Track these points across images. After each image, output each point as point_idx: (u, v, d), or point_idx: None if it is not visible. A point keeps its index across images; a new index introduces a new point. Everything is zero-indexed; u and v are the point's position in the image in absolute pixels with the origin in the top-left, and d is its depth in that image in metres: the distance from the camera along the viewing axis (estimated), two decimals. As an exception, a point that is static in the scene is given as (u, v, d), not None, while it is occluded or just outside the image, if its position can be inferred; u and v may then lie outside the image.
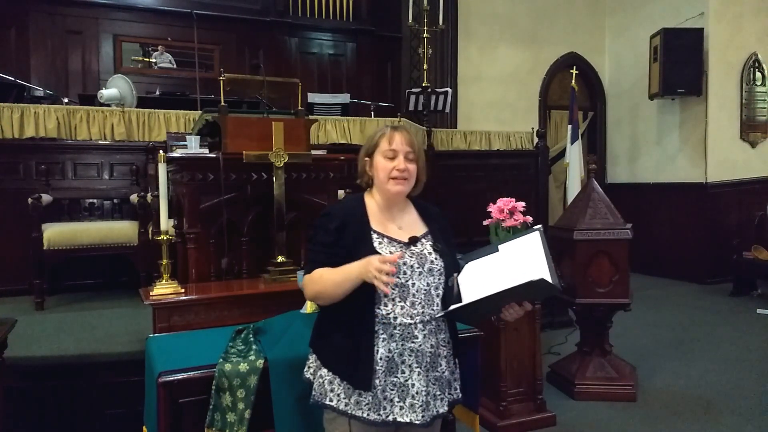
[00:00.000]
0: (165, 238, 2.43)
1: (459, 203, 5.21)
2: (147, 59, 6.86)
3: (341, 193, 3.27)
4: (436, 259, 1.57)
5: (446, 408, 1.57)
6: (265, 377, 1.75)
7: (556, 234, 3.70)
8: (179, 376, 1.71)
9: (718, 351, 4.25)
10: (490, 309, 1.57)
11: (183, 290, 2.38)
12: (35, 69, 6.43)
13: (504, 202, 2.96)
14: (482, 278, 1.53)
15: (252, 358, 1.78)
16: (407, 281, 1.52)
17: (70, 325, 3.25)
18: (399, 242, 1.57)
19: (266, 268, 2.65)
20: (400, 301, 1.51)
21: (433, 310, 1.54)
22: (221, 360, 1.76)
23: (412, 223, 1.65)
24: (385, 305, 1.50)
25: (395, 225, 1.62)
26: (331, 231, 1.56)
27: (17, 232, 3.91)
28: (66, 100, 5.08)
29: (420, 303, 1.52)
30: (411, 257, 1.55)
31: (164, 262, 2.41)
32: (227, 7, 7.23)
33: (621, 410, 3.24)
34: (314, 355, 1.62)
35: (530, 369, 3.10)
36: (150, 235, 3.77)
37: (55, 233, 3.68)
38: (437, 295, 1.56)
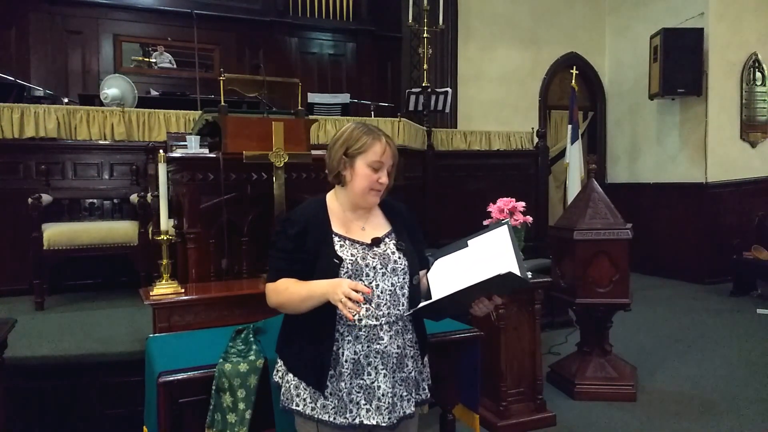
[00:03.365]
0: (165, 238, 2.43)
1: (459, 203, 5.22)
2: (147, 59, 6.85)
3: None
4: (399, 258, 1.56)
5: (413, 409, 1.55)
6: (265, 377, 1.75)
7: (556, 234, 3.71)
8: (179, 376, 1.71)
9: (718, 351, 4.25)
10: (460, 304, 1.55)
11: (183, 290, 2.39)
12: (35, 69, 6.42)
13: (504, 202, 2.96)
14: (451, 275, 1.53)
15: (252, 358, 1.78)
16: (371, 283, 1.50)
17: (70, 325, 3.26)
18: (361, 244, 1.55)
19: (266, 268, 2.65)
20: (365, 304, 1.48)
21: (398, 310, 1.53)
22: (221, 360, 1.76)
23: (375, 222, 1.63)
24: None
25: (359, 225, 1.60)
26: (291, 237, 1.54)
27: (17, 232, 3.91)
28: (66, 100, 5.08)
29: (385, 304, 1.51)
30: (374, 258, 1.53)
31: (164, 262, 2.41)
32: (227, 7, 7.22)
33: (621, 410, 3.24)
34: (281, 360, 1.62)
35: (530, 369, 3.10)
36: (150, 235, 3.77)
37: (55, 233, 3.68)
38: (403, 295, 1.55)
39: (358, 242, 1.55)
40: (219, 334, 2.03)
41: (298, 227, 1.54)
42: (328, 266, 1.48)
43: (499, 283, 1.42)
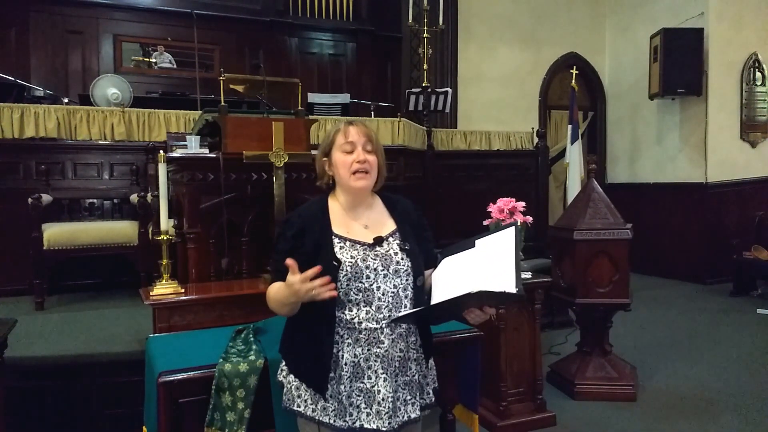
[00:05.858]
0: (165, 238, 2.43)
1: (459, 203, 5.22)
2: (147, 59, 6.85)
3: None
4: (402, 259, 1.51)
5: (418, 413, 1.52)
6: (265, 377, 1.75)
7: (556, 234, 3.71)
8: (179, 376, 1.71)
9: (718, 351, 4.25)
10: (449, 313, 1.51)
11: (183, 290, 2.39)
12: (35, 69, 6.43)
13: (504, 202, 2.95)
14: (450, 278, 1.50)
15: (252, 358, 1.78)
16: (371, 285, 1.46)
17: (70, 325, 3.26)
18: (362, 244, 1.51)
19: (266, 268, 2.65)
20: (365, 306, 1.46)
21: (401, 313, 1.49)
22: (221, 360, 1.76)
23: (378, 221, 1.59)
24: (350, 310, 1.46)
25: (361, 224, 1.56)
26: (288, 238, 1.52)
27: (17, 232, 3.90)
28: (66, 100, 5.08)
29: (387, 306, 1.46)
30: (375, 259, 1.49)
31: (164, 262, 2.41)
32: (227, 7, 7.22)
33: (621, 410, 3.24)
34: (284, 360, 1.60)
35: (530, 369, 3.10)
36: (150, 235, 3.77)
37: (55, 233, 3.68)
38: (406, 297, 1.50)
39: (359, 243, 1.51)
40: (219, 334, 2.03)
41: (296, 228, 1.53)
42: (326, 268, 1.43)
43: (487, 297, 1.38)
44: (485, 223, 3.01)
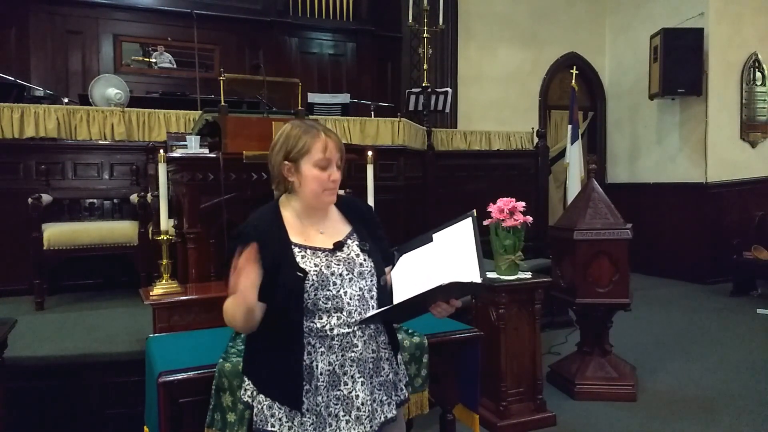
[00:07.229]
0: (165, 238, 2.43)
1: (459, 203, 5.18)
2: (147, 59, 6.86)
3: (341, 192, 3.25)
4: (365, 260, 1.49)
5: (394, 412, 1.50)
6: (265, 377, 1.74)
7: (556, 234, 3.71)
8: (179, 376, 1.71)
9: (718, 351, 4.25)
10: (415, 309, 1.48)
11: (183, 290, 2.39)
12: (35, 69, 6.42)
13: (504, 202, 2.96)
14: (411, 275, 1.48)
15: (252, 358, 1.78)
16: (339, 291, 1.42)
17: (70, 325, 3.25)
18: (323, 251, 1.46)
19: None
20: (335, 312, 1.42)
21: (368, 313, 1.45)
22: (221, 360, 1.76)
23: (334, 225, 1.55)
24: (320, 318, 1.41)
25: (317, 230, 1.51)
26: None
27: (17, 232, 3.91)
28: (66, 100, 5.08)
29: (356, 310, 1.44)
30: (338, 265, 1.45)
31: (164, 262, 2.42)
32: (227, 7, 7.22)
33: (621, 410, 3.24)
34: (249, 380, 1.52)
35: (530, 369, 3.10)
36: (150, 235, 3.77)
37: (55, 233, 3.68)
38: (371, 298, 1.48)
39: (319, 249, 1.46)
40: (219, 334, 2.03)
41: (251, 242, 1.38)
42: (291, 280, 1.39)
43: (452, 290, 1.36)
44: (485, 223, 3.02)
